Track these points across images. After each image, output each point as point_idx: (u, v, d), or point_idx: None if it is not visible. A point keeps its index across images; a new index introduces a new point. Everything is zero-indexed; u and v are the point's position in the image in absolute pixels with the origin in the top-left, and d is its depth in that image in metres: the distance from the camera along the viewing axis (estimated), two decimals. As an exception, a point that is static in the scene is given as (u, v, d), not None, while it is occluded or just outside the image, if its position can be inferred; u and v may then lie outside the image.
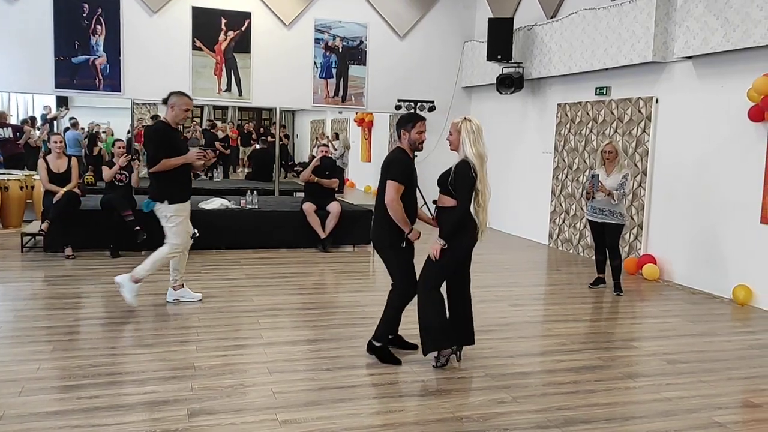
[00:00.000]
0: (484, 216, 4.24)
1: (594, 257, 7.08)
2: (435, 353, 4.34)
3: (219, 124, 12.39)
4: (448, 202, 4.24)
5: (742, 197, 6.57)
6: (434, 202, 4.43)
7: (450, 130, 4.32)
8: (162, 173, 5.40)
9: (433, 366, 4.33)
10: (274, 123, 11.31)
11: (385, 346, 4.49)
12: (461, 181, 4.13)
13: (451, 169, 4.22)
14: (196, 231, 7.65)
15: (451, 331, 4.35)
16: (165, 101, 5.49)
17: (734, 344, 5.20)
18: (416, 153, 4.52)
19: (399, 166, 4.28)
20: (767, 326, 5.75)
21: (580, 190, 8.94)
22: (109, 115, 11.07)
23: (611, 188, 6.49)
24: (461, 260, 4.34)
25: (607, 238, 6.70)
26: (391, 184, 4.22)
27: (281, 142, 11.45)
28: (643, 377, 4.37)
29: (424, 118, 4.47)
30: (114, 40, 9.98)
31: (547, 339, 5.20)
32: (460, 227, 4.19)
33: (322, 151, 8.77)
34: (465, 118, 4.27)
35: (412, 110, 11.20)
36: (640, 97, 7.94)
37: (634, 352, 4.92)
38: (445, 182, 4.22)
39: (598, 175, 6.63)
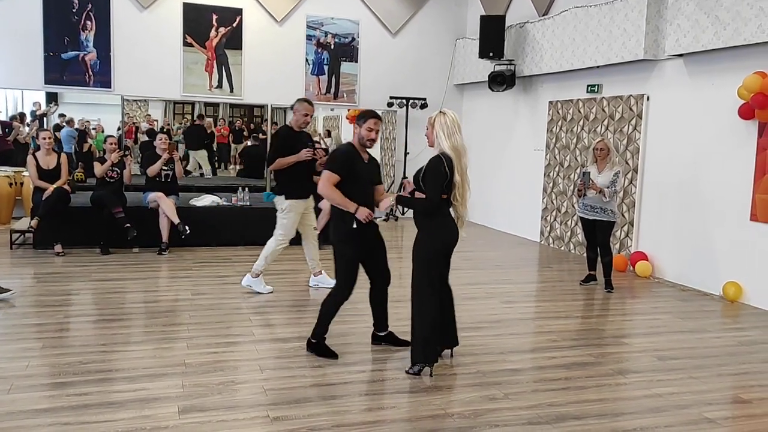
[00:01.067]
0: (463, 211, 4.17)
1: (585, 254, 7.10)
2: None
3: (207, 120, 12.30)
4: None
5: (732, 195, 6.60)
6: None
7: (426, 125, 4.26)
8: (282, 171, 5.88)
9: (406, 371, 4.17)
10: (266, 120, 11.27)
11: (319, 342, 4.49)
12: (430, 175, 4.03)
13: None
14: (187, 228, 7.66)
15: (437, 345, 4.23)
16: (292, 107, 6.09)
17: (724, 341, 5.22)
18: (371, 150, 4.55)
19: (338, 158, 4.37)
20: (757, 323, 5.78)
21: (572, 187, 8.96)
22: (100, 112, 10.99)
23: (603, 186, 6.51)
24: (441, 254, 4.15)
25: (598, 235, 6.72)
26: (324, 174, 4.32)
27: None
28: (633, 374, 4.39)
29: (377, 117, 4.43)
30: (104, 35, 9.92)
31: (538, 336, 5.21)
32: (431, 219, 4.09)
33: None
34: (440, 112, 4.16)
35: (404, 107, 11.21)
36: (631, 95, 7.96)
37: (624, 349, 4.94)
38: (417, 178, 4.14)
39: (589, 172, 6.65)
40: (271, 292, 6.11)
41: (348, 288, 4.38)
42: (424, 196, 4.08)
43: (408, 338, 4.34)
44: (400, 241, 9.42)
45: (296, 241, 8.35)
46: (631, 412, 3.76)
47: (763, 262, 6.28)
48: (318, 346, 4.49)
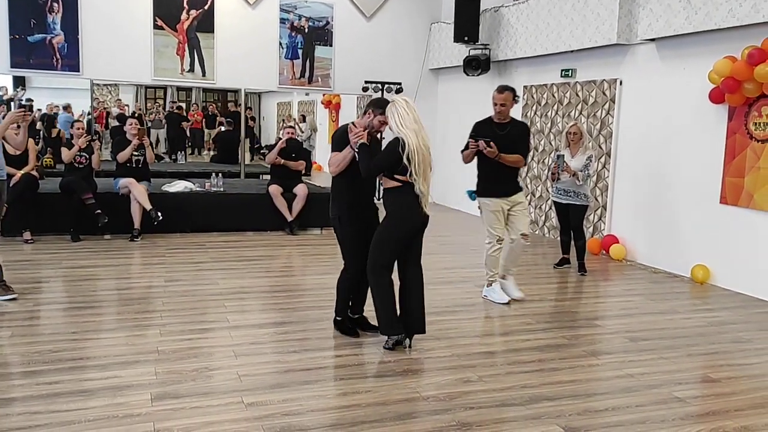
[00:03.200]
0: (425, 188, 4.18)
1: (559, 238, 7.16)
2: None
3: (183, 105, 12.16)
4: (387, 182, 4.25)
5: (702, 178, 6.69)
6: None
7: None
8: (480, 168, 5.57)
9: (383, 347, 4.32)
10: (240, 105, 11.14)
11: (343, 320, 4.63)
12: (383, 153, 4.23)
13: None
14: (159, 214, 7.56)
15: (398, 320, 4.31)
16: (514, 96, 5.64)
17: (694, 321, 5.32)
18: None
19: (337, 139, 4.41)
20: (726, 304, 5.89)
21: (546, 171, 9.01)
22: (68, 96, 10.78)
23: (576, 169, 6.56)
24: (402, 236, 4.25)
25: (571, 219, 6.79)
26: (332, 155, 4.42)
27: (247, 125, 11.30)
28: (606, 355, 4.45)
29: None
30: (72, 18, 9.68)
31: (512, 319, 5.26)
32: (394, 201, 4.23)
33: (288, 133, 8.68)
34: (392, 101, 4.26)
35: (380, 92, 11.16)
36: (604, 80, 8.01)
37: (597, 331, 5.00)
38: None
39: (563, 155, 6.69)
40: (507, 303, 5.55)
41: (354, 265, 4.48)
42: (389, 180, 4.22)
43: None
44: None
45: (274, 226, 8.30)
46: (603, 393, 3.81)
47: (732, 244, 6.39)
48: (339, 324, 4.65)
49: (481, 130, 5.44)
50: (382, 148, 4.36)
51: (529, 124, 9.43)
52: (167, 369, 3.89)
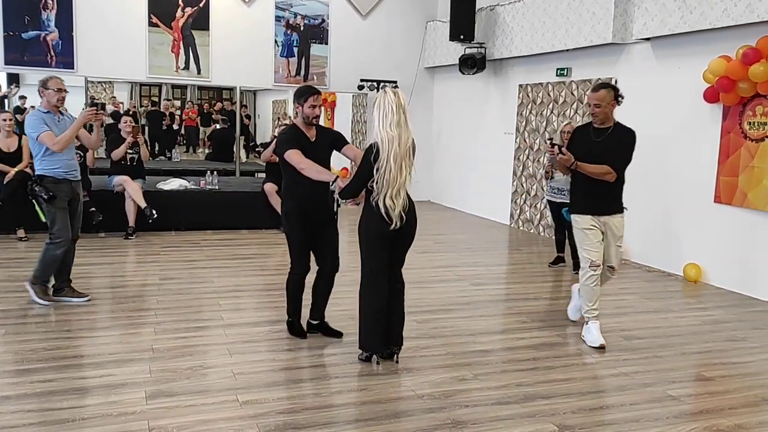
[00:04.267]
0: (387, 201, 3.78)
1: (554, 237, 7.17)
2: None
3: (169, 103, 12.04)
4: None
5: (697, 177, 6.71)
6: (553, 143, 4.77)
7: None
8: (572, 179, 4.82)
9: (358, 358, 4.10)
10: (235, 102, 11.11)
11: (293, 321, 4.53)
12: (361, 168, 3.87)
13: None
14: (154, 212, 7.54)
15: (374, 337, 4.01)
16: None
17: (688, 320, 5.33)
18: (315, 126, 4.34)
19: (284, 140, 4.19)
20: (719, 302, 5.91)
21: (541, 170, 9.02)
22: (63, 94, 10.71)
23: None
24: (374, 242, 3.91)
25: (565, 218, 6.79)
26: (287, 155, 4.08)
27: (243, 122, 11.28)
28: (600, 353, 4.46)
29: (317, 92, 4.25)
30: (66, 15, 9.64)
31: (507, 317, 5.26)
32: (366, 206, 3.92)
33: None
34: (384, 91, 3.86)
35: (375, 90, 11.15)
36: (599, 79, 8.02)
37: (592, 329, 5.00)
38: None
39: (553, 138, 6.51)
40: (601, 347, 4.52)
41: (297, 265, 4.40)
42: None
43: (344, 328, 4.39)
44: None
45: (269, 225, 8.30)
46: (598, 391, 3.82)
47: (726, 242, 6.41)
48: (288, 324, 4.57)
49: (575, 135, 4.88)
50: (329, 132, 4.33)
51: (525, 123, 9.44)
52: (162, 367, 3.88)
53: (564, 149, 4.67)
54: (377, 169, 3.77)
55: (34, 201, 5.12)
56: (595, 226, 4.63)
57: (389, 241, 3.93)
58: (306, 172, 4.04)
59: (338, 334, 4.50)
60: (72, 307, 5.01)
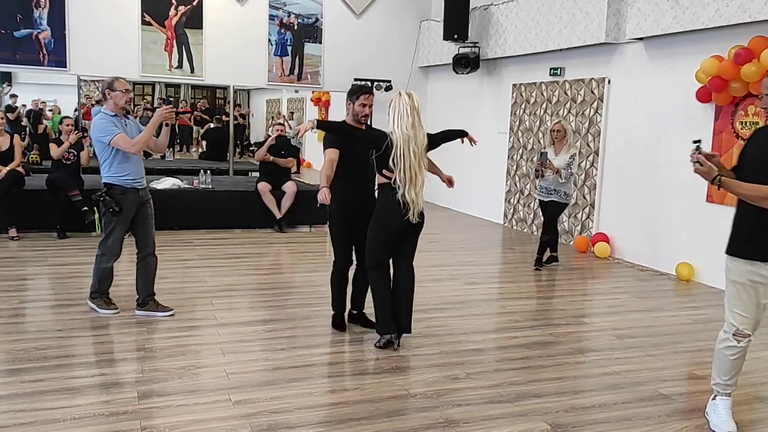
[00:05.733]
0: (413, 195, 4.09)
1: (540, 238, 7.11)
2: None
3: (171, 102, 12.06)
4: (378, 179, 4.27)
5: (689, 176, 6.69)
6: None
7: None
8: (737, 207, 3.42)
9: (375, 345, 4.32)
10: (229, 102, 11.09)
11: (335, 314, 4.68)
12: (371, 133, 4.28)
13: None
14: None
15: (390, 319, 4.28)
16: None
17: (680, 319, 5.35)
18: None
19: (329, 138, 4.37)
20: (711, 301, 5.93)
21: (514, 167, 9.06)
22: (56, 92, 10.68)
23: (559, 167, 6.56)
24: (384, 237, 4.21)
25: (547, 213, 6.81)
26: (325, 153, 4.36)
27: (236, 122, 11.25)
28: (592, 352, 4.47)
29: (370, 92, 4.42)
30: (59, 13, 9.59)
31: (500, 316, 5.27)
32: (379, 199, 4.25)
33: (278, 130, 8.66)
34: (399, 93, 4.15)
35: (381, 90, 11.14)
36: (593, 78, 8.04)
37: (584, 328, 5.03)
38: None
39: (547, 152, 6.68)
40: None
41: (339, 259, 4.53)
42: (380, 177, 4.22)
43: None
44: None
45: (262, 224, 8.26)
46: (590, 390, 3.83)
47: (718, 241, 6.41)
48: (332, 317, 4.71)
49: (754, 137, 3.42)
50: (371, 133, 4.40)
51: (518, 123, 9.46)
52: (154, 366, 3.87)
53: (702, 157, 3.21)
54: (395, 164, 4.05)
55: (96, 210, 4.99)
56: (756, 280, 3.18)
57: (397, 236, 4.21)
58: (323, 171, 4.35)
59: (374, 326, 4.47)
60: (64, 307, 4.99)
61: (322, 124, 4.30)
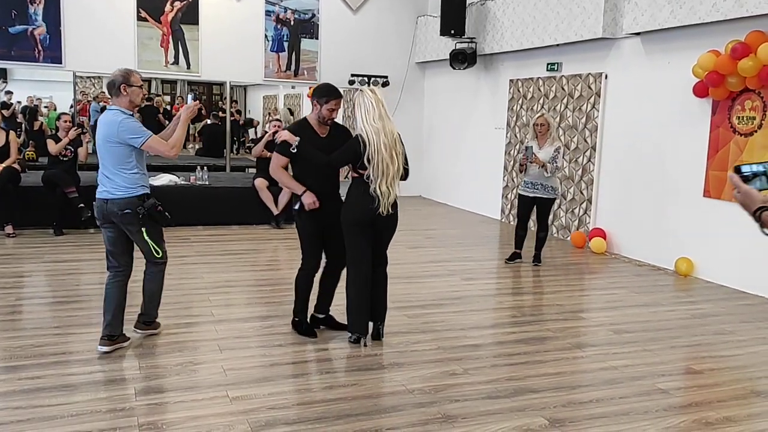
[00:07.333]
0: (385, 188, 4.06)
1: (515, 232, 7.06)
2: None
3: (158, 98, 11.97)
4: (352, 172, 4.22)
5: (686, 171, 6.74)
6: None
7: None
8: None
9: (348, 339, 4.32)
10: (225, 98, 11.06)
11: (300, 320, 4.50)
12: (343, 149, 4.16)
13: None
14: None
15: (360, 319, 4.25)
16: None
17: (677, 314, 5.36)
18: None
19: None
20: (708, 296, 5.95)
21: (512, 163, 9.05)
22: (51, 89, 10.62)
23: (544, 161, 6.50)
24: (354, 226, 4.16)
25: (538, 212, 6.77)
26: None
27: (233, 118, 11.23)
28: (590, 347, 4.48)
29: (341, 96, 4.31)
30: (54, 9, 9.55)
31: (498, 312, 5.27)
32: (349, 193, 4.21)
33: (275, 126, 8.63)
34: (361, 90, 4.15)
35: (366, 85, 11.12)
36: (590, 73, 8.04)
37: (582, 323, 5.03)
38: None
39: (531, 146, 6.61)
40: None
41: (308, 260, 4.40)
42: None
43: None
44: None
45: (259, 220, 8.26)
46: (587, 385, 3.84)
47: (715, 236, 6.45)
48: (296, 324, 4.51)
49: None
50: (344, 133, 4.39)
51: (515, 118, 9.45)
52: (151, 363, 3.87)
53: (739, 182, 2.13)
54: (369, 160, 4.02)
55: (144, 228, 4.30)
56: None
57: (370, 228, 4.18)
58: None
59: (344, 327, 4.42)
60: (61, 304, 4.98)
61: (290, 152, 4.17)
